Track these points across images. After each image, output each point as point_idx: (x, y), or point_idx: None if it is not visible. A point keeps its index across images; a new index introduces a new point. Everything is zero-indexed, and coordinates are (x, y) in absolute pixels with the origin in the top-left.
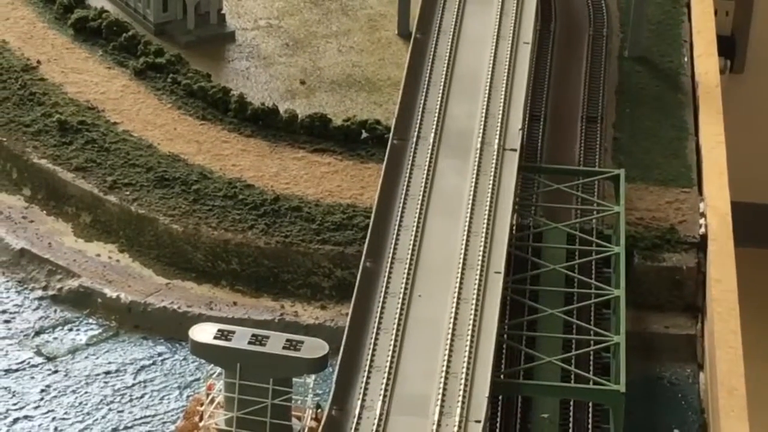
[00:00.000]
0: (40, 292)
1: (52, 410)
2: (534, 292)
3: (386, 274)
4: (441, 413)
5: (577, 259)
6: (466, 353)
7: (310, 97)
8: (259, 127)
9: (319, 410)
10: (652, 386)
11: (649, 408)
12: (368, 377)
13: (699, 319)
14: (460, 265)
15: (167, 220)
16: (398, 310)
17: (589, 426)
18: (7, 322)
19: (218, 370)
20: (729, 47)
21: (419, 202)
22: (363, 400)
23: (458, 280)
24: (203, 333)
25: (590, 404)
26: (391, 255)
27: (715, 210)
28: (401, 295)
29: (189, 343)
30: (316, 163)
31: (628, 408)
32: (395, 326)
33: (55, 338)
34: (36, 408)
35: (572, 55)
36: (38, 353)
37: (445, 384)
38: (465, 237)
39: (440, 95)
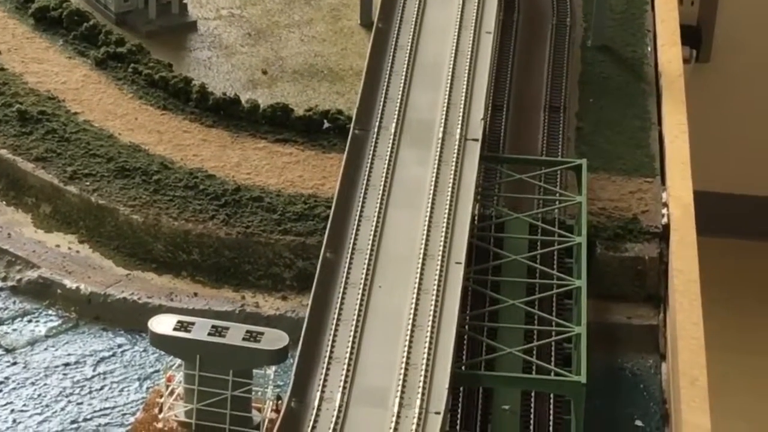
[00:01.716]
0: None
1: (11, 402)
2: (496, 283)
3: (346, 264)
4: (401, 405)
5: (539, 250)
6: (427, 344)
7: (272, 86)
8: (220, 117)
9: (280, 402)
10: (614, 377)
11: (611, 399)
12: (328, 369)
13: (661, 309)
14: (421, 256)
15: (128, 210)
16: (358, 301)
17: (551, 417)
18: None
19: (178, 361)
20: (695, 36)
21: (380, 192)
22: (322, 391)
23: (419, 270)
24: (163, 324)
25: (552, 395)
26: (351, 245)
27: (678, 200)
28: (361, 286)
29: (148, 335)
30: (277, 153)
31: (590, 399)
32: (355, 317)
33: (14, 330)
34: None
35: (535, 44)
36: None
37: (405, 375)
38: (426, 227)
39: (402, 85)
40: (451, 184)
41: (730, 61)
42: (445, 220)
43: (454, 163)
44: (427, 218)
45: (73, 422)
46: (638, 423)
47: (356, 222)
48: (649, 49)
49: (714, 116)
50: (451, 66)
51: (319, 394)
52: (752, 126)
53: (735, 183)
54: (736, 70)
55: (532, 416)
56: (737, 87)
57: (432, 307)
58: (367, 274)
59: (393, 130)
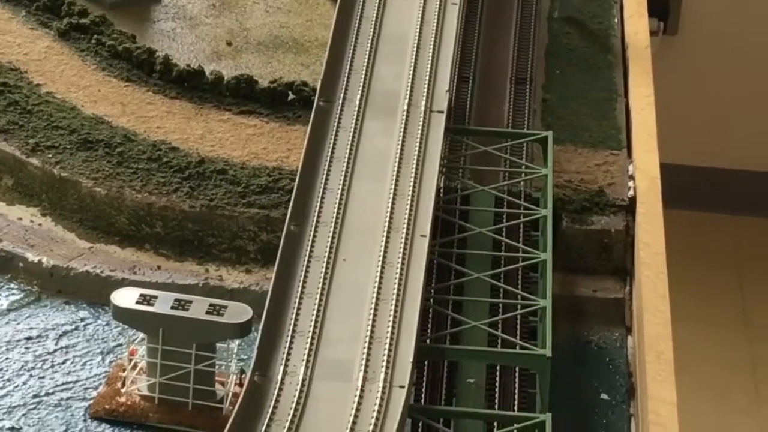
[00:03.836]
0: None
1: None
2: (461, 256)
3: (311, 237)
4: (365, 378)
5: (504, 223)
6: (391, 318)
7: (236, 58)
8: (184, 89)
9: (243, 375)
10: (579, 350)
11: (577, 372)
12: (291, 342)
13: (627, 282)
14: (386, 229)
15: (90, 183)
16: (322, 274)
17: (516, 390)
18: None
19: (141, 335)
20: (662, 8)
21: (345, 164)
22: (286, 365)
23: (383, 243)
24: (125, 298)
25: (517, 369)
26: (315, 218)
27: (644, 172)
28: (325, 259)
29: (111, 308)
30: (242, 125)
31: (555, 372)
32: (319, 290)
33: None
34: None
35: (502, 16)
36: None
37: (369, 349)
38: (391, 200)
39: (367, 56)
40: (416, 157)
41: (697, 33)
42: (410, 192)
43: (419, 135)
44: (391, 191)
45: (35, 396)
46: (604, 396)
47: (320, 194)
48: (616, 20)
49: (681, 89)
50: (417, 37)
51: (282, 367)
52: (719, 99)
53: (701, 155)
54: (703, 43)
55: (497, 390)
56: (705, 59)
57: (396, 281)
58: (331, 247)
59: (357, 102)
